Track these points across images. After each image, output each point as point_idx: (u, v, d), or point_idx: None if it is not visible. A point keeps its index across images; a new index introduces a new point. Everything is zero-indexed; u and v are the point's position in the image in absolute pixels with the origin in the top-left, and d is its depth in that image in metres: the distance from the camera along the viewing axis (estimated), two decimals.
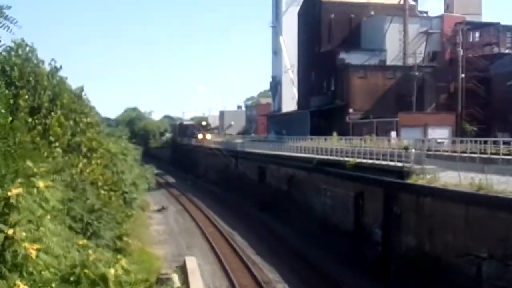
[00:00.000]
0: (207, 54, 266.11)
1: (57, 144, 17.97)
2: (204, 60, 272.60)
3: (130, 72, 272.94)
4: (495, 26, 65.23)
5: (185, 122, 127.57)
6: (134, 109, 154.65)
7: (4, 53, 17.09)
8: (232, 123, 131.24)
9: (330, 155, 34.63)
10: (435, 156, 28.70)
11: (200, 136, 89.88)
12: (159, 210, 48.76)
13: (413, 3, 69.64)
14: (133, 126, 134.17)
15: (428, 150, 31.19)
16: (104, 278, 6.49)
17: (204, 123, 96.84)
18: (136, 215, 32.89)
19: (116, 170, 26.53)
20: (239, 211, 47.70)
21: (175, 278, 18.13)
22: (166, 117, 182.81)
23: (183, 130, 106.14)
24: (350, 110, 59.55)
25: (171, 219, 44.48)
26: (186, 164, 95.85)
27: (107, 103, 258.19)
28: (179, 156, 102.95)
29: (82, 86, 23.42)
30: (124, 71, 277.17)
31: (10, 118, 9.87)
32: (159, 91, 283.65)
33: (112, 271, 6.63)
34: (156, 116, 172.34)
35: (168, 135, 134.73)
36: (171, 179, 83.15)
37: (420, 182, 22.38)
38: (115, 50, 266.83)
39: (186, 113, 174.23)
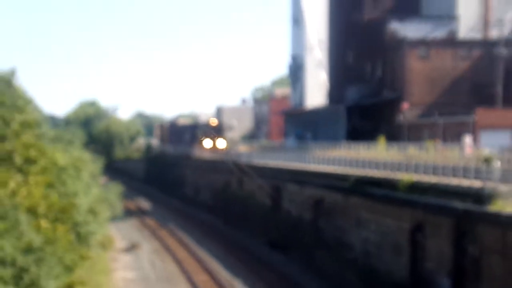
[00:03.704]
0: (197, 22, 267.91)
1: None
2: (192, 32, 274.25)
3: (85, 54, 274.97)
4: None
5: (180, 122, 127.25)
6: (93, 103, 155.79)
7: None
8: (234, 123, 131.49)
9: (376, 169, 34.82)
10: None
11: (207, 143, 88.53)
12: (128, 250, 49.25)
13: None
14: (91, 127, 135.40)
15: None
16: None
17: (214, 121, 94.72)
18: (95, 257, 32.93)
19: (65, 191, 26.64)
20: (244, 250, 47.90)
21: None
22: (140, 115, 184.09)
23: (177, 133, 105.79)
24: (405, 105, 59.53)
25: (145, 262, 44.77)
26: (168, 182, 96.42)
27: (54, 95, 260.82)
28: (158, 171, 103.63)
29: (13, 69, 23.43)
30: (78, 53, 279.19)
31: None
32: (127, 80, 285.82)
33: None
34: (124, 114, 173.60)
35: (141, 140, 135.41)
36: (145, 204, 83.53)
37: (510, 209, 22.31)
38: (63, 26, 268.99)
39: (167, 110, 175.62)
